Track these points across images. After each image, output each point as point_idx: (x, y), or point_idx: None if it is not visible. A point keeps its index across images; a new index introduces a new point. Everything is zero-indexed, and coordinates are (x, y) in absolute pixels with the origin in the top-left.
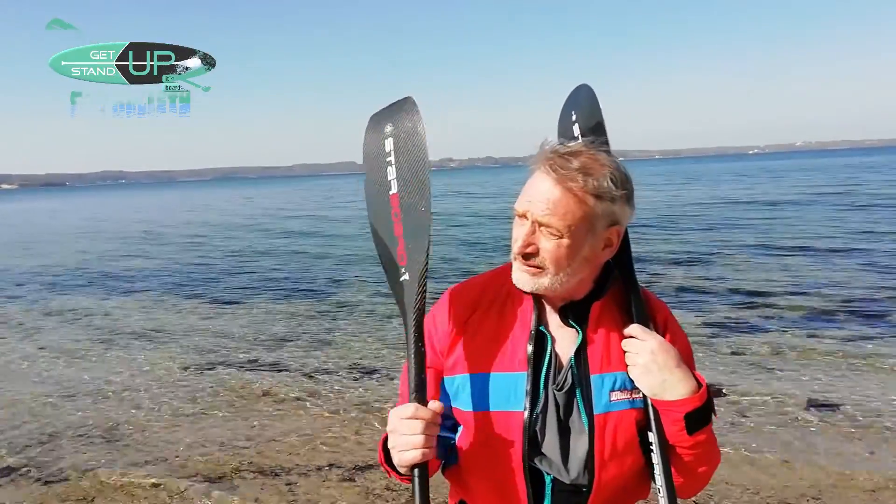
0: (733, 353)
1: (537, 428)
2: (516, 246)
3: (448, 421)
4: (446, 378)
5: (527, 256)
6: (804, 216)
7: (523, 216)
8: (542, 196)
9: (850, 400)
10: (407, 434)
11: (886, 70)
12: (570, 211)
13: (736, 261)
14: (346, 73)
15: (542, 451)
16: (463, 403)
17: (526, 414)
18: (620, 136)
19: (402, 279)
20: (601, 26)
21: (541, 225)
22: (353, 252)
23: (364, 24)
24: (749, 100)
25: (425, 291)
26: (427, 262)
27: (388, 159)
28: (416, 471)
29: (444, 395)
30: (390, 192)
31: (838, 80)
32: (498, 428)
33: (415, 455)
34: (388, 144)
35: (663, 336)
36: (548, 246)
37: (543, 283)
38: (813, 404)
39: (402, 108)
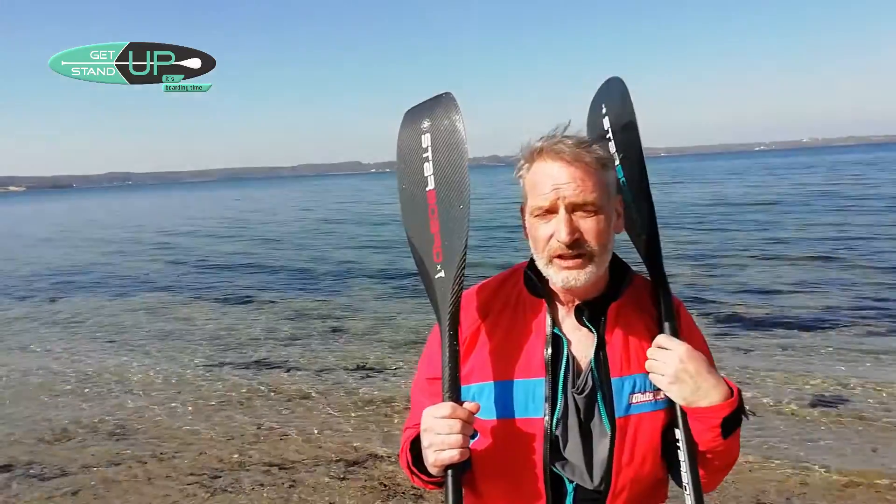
0: (740, 350)
1: (559, 433)
2: (561, 235)
3: None
4: (461, 386)
5: (573, 245)
6: (809, 214)
7: (551, 210)
8: (566, 178)
9: (856, 397)
10: (443, 433)
11: (892, 66)
12: (595, 183)
13: (741, 259)
14: (350, 74)
15: (565, 456)
16: (481, 411)
17: (546, 420)
18: None
19: (437, 276)
20: (606, 24)
21: (575, 208)
22: (360, 251)
23: (367, 23)
24: (755, 96)
25: (461, 289)
26: (464, 260)
27: (424, 155)
28: (450, 472)
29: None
30: (427, 189)
31: (844, 76)
32: (518, 435)
33: (451, 455)
34: (426, 140)
35: (682, 334)
36: (589, 226)
37: (593, 271)
38: (819, 401)
39: (440, 104)
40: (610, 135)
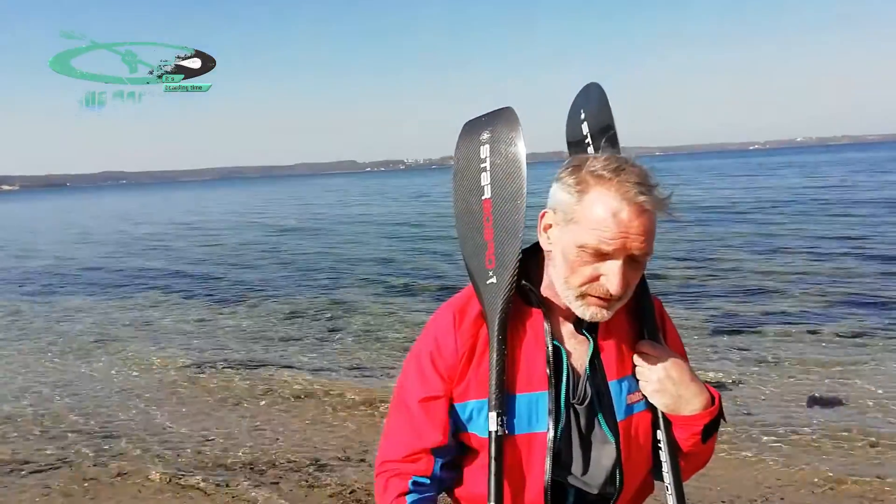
0: (735, 350)
1: (561, 446)
2: (613, 287)
3: (448, 457)
4: (457, 404)
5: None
6: (804, 213)
7: (609, 254)
8: (638, 230)
9: (852, 396)
10: None
11: (886, 65)
12: (654, 234)
13: (736, 257)
14: (347, 73)
15: (568, 467)
16: (480, 429)
17: (550, 433)
18: (620, 133)
19: (489, 282)
20: (600, 22)
21: (632, 257)
22: (355, 252)
23: (363, 21)
24: (749, 96)
25: (512, 294)
26: (517, 267)
27: (482, 165)
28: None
29: (455, 422)
30: (483, 198)
31: (837, 75)
32: (520, 451)
33: None
34: (484, 151)
35: (664, 335)
36: (634, 275)
37: (617, 307)
38: (815, 401)
39: (500, 117)
40: (589, 140)
